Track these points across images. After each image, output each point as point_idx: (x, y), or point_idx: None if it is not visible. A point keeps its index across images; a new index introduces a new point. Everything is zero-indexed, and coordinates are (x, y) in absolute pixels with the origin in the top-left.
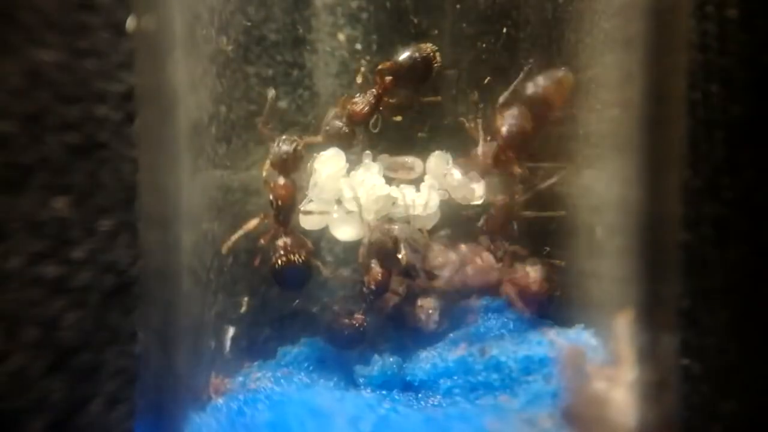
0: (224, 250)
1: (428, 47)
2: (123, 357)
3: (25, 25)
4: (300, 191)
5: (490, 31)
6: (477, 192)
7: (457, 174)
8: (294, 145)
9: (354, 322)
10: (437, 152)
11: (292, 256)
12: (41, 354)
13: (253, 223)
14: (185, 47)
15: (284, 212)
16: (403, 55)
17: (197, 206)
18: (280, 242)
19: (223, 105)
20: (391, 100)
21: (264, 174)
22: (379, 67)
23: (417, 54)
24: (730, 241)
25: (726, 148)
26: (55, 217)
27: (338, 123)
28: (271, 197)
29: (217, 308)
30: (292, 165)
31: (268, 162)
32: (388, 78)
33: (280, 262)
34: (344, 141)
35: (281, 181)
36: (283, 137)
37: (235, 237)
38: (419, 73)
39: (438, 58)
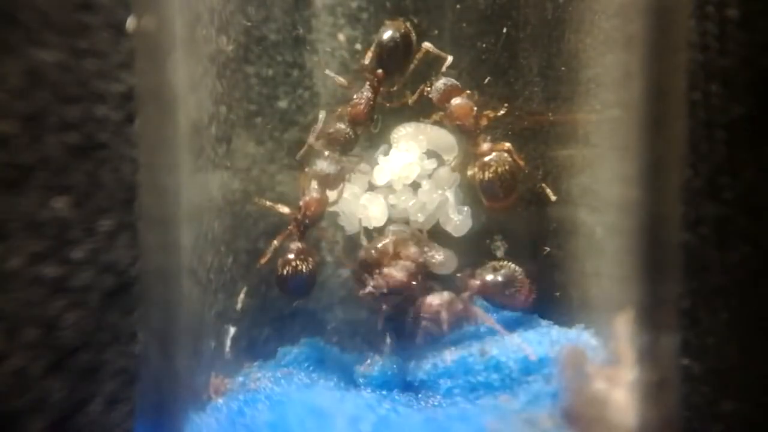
0: (261, 262)
1: (401, 23)
2: (123, 357)
3: (25, 25)
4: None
5: (490, 31)
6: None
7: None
8: (340, 166)
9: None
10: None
11: (299, 263)
12: (41, 354)
13: (281, 237)
14: (185, 47)
15: (309, 221)
16: (381, 37)
17: (197, 206)
18: (293, 246)
19: (223, 105)
20: (390, 89)
21: (301, 179)
22: (365, 63)
23: (393, 32)
24: (730, 241)
25: (726, 148)
26: (55, 217)
27: (342, 126)
28: (301, 203)
29: (217, 308)
30: (332, 183)
31: (307, 171)
32: (378, 71)
33: (287, 270)
34: (348, 145)
35: (316, 194)
36: (329, 154)
37: (269, 250)
38: (401, 49)
39: (412, 30)
